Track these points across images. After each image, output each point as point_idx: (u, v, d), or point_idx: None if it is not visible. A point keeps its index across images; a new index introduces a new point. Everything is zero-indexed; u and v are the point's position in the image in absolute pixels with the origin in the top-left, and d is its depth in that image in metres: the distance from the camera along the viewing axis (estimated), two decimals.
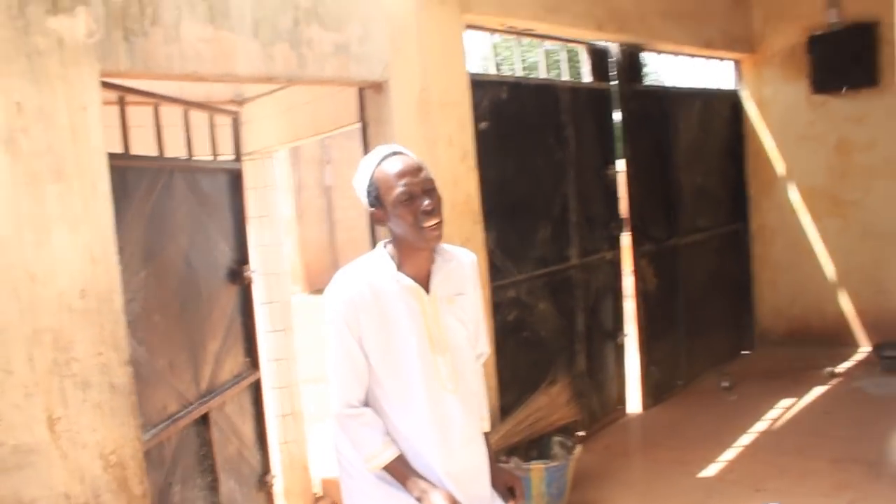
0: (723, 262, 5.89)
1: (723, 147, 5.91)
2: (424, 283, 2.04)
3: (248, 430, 3.65)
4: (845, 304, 5.71)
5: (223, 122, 3.39)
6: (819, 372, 5.15)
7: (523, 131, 4.10)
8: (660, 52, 5.27)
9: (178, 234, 2.93)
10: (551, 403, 3.59)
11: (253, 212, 4.03)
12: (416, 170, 1.94)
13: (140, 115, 2.79)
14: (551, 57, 5.05)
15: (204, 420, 3.04)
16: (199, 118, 3.13)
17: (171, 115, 2.93)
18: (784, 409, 4.60)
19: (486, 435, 2.18)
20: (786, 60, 5.72)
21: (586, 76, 4.69)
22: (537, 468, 3.30)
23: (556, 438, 3.57)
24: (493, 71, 4.20)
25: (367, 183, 2.00)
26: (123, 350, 2.35)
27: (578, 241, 4.45)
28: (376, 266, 2.04)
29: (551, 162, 4.28)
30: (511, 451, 3.43)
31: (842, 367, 5.24)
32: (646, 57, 5.10)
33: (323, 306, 2.03)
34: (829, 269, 5.77)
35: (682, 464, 3.93)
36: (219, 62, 2.62)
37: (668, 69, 5.72)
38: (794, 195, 5.87)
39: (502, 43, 5.89)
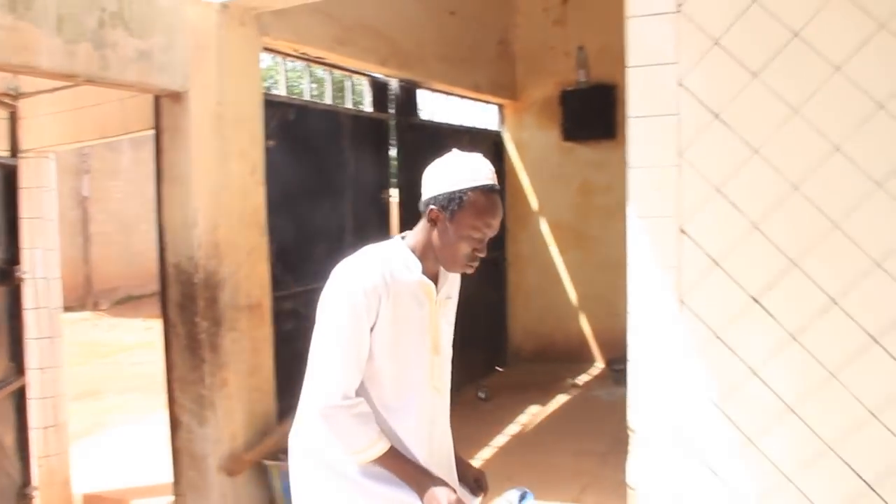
0: (482, 286, 6.46)
1: None
2: (434, 283, 2.07)
3: (8, 439, 3.51)
4: (585, 324, 6.54)
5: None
6: (563, 383, 5.87)
7: (308, 152, 4.34)
8: (435, 90, 5.78)
9: None
10: None
11: (26, 212, 3.89)
12: (499, 218, 2.01)
13: None
14: (338, 84, 5.37)
15: None
16: None
17: None
18: (533, 415, 5.21)
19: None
20: (542, 109, 6.49)
21: (367, 106, 5.06)
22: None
23: None
24: (284, 92, 4.43)
25: (454, 190, 1.96)
26: None
27: None
28: (398, 259, 2.01)
29: (331, 183, 4.56)
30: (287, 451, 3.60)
31: (581, 379, 6.01)
32: (423, 93, 5.58)
33: (333, 289, 1.96)
34: (573, 294, 6.58)
35: None
36: (18, 53, 2.62)
37: (442, 107, 6.23)
38: (545, 228, 6.63)
39: (294, 68, 6.11)
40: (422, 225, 2.03)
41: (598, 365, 6.44)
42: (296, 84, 4.87)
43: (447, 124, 6.04)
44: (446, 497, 1.91)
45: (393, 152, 5.26)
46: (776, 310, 2.47)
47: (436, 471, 2.02)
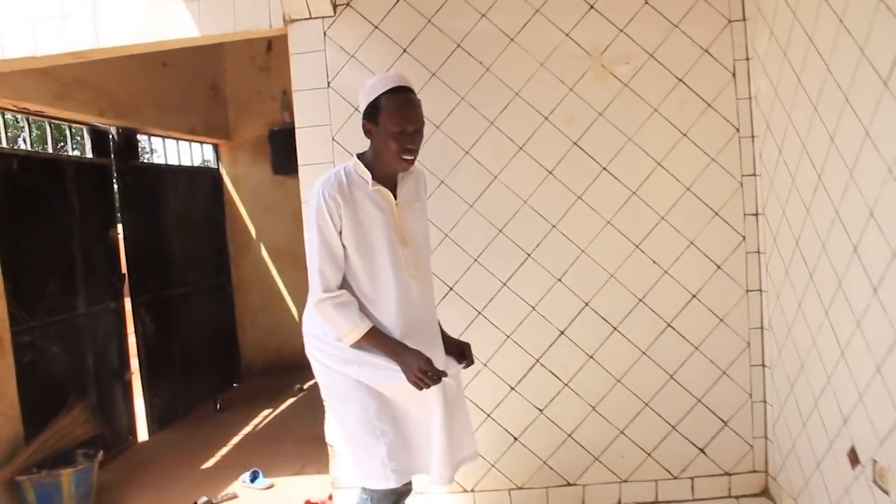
0: (211, 309, 7.09)
1: (206, 214, 7.09)
2: (392, 189, 2.49)
3: None
4: None
5: None
6: (291, 389, 6.71)
7: (35, 199, 4.79)
8: (152, 135, 6.38)
9: None
10: (72, 423, 4.35)
11: None
12: (414, 110, 2.40)
13: None
14: (60, 133, 5.80)
15: None
16: None
17: None
18: (264, 417, 6.01)
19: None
20: (254, 147, 7.25)
21: (89, 153, 5.57)
22: (66, 472, 4.05)
23: (80, 451, 4.34)
24: (5, 144, 4.85)
25: (371, 100, 2.40)
26: None
27: (85, 292, 5.22)
28: (350, 172, 2.46)
29: (60, 225, 5.03)
30: (40, 465, 4.11)
31: (308, 384, 6.89)
32: (142, 138, 6.16)
33: (307, 202, 2.43)
34: (295, 311, 7.45)
35: (188, 465, 4.97)
36: None
37: (163, 148, 6.69)
38: (265, 254, 7.43)
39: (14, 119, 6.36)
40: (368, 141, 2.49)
41: None
42: (18, 132, 5.22)
43: (167, 165, 6.61)
44: (416, 362, 2.32)
45: (117, 193, 5.78)
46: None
47: (417, 345, 2.40)
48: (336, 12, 3.45)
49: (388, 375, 2.41)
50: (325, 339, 2.50)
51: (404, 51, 3.44)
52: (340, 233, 2.40)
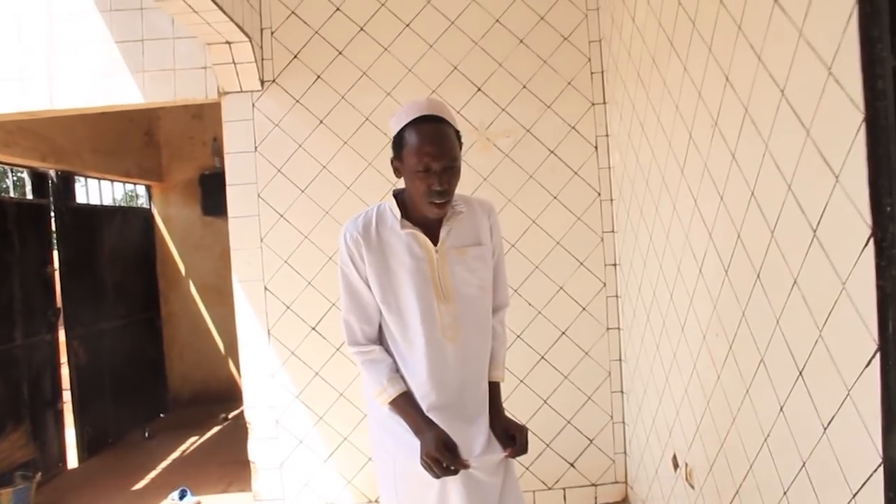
0: (141, 342, 7.49)
1: (139, 252, 7.53)
2: (434, 231, 2.13)
3: None
4: (233, 368, 7.91)
5: None
6: (216, 418, 7.16)
7: None
8: (89, 177, 6.83)
9: None
10: (11, 447, 4.77)
11: None
12: (441, 145, 1.99)
13: None
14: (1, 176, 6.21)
15: None
16: None
17: None
18: (191, 443, 6.45)
19: (495, 385, 2.24)
20: (185, 189, 7.74)
21: (29, 194, 6.01)
22: (6, 491, 4.47)
23: (18, 473, 4.76)
24: None
25: (395, 135, 2.07)
26: None
27: (22, 325, 5.62)
28: (384, 212, 2.15)
29: (1, 262, 5.46)
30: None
31: (233, 413, 7.34)
32: (80, 180, 6.59)
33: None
34: (220, 344, 7.92)
35: (119, 488, 5.37)
36: None
37: (98, 189, 7.12)
38: (193, 290, 7.91)
39: None
40: None
41: None
42: None
43: (102, 205, 7.05)
44: (428, 445, 1.99)
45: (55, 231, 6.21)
46: (326, 333, 4.15)
47: (448, 420, 2.06)
48: (263, 87, 4.07)
49: (412, 452, 2.07)
50: (369, 396, 2.24)
51: (321, 122, 4.07)
52: (368, 277, 2.13)
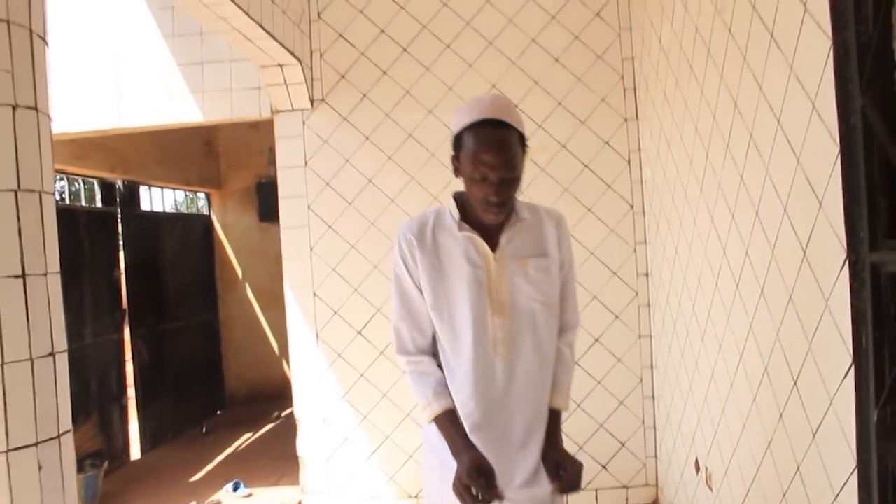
0: (200, 342, 7.91)
1: (199, 256, 7.97)
2: (494, 238, 1.98)
3: None
4: (286, 370, 8.24)
5: None
6: (270, 416, 7.51)
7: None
8: (153, 186, 7.25)
9: None
10: (82, 437, 5.15)
11: None
12: (500, 154, 1.83)
13: None
14: (73, 186, 6.66)
15: None
16: None
17: None
18: (245, 439, 6.80)
19: (556, 412, 2.02)
20: (242, 197, 8.14)
21: (98, 202, 6.43)
22: (78, 477, 4.85)
23: (88, 461, 5.14)
24: None
25: (455, 135, 1.94)
26: None
27: (91, 324, 6.04)
28: (443, 214, 2.02)
29: (73, 265, 5.88)
30: None
31: (285, 412, 7.68)
32: (145, 188, 7.02)
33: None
34: (275, 345, 8.27)
35: (178, 479, 5.76)
36: None
37: (161, 197, 7.54)
38: (249, 293, 8.29)
39: None
40: None
41: None
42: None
43: (165, 213, 7.49)
44: (461, 469, 1.83)
45: (122, 236, 6.63)
46: (371, 337, 4.41)
47: (491, 445, 1.92)
48: (313, 106, 4.35)
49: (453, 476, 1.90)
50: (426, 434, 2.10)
51: (367, 138, 4.34)
52: (421, 284, 2.00)
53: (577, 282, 2.17)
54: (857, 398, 1.82)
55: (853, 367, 1.83)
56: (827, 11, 1.85)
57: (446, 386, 1.99)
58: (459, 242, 1.98)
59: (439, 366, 2.04)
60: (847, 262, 1.83)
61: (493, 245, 1.98)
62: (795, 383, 2.23)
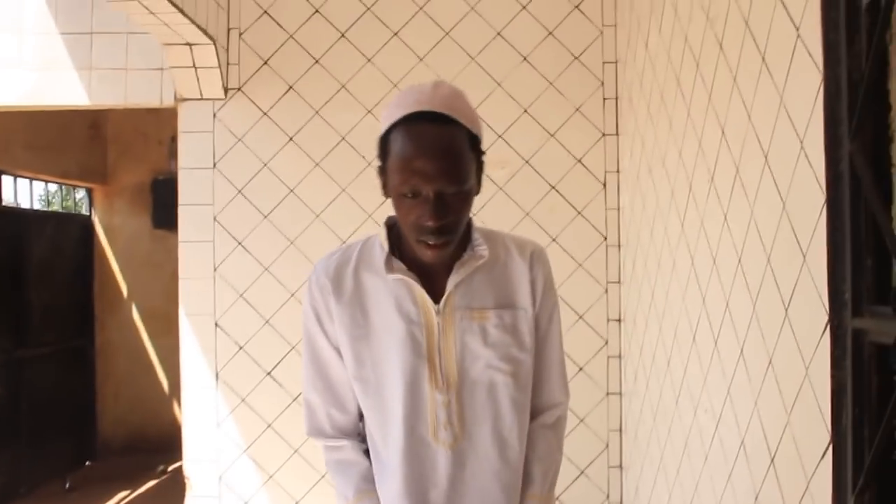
0: (68, 374, 7.70)
1: (73, 267, 7.84)
2: (439, 281, 1.78)
3: None
4: (177, 413, 8.23)
5: None
6: (154, 470, 7.48)
7: None
8: (18, 175, 7.21)
9: None
10: None
11: None
12: (437, 158, 1.60)
13: None
14: None
15: None
16: None
17: None
18: (121, 499, 6.78)
19: None
20: (134, 195, 8.09)
21: None
22: None
23: None
24: None
25: (381, 133, 1.70)
26: None
27: None
28: (371, 247, 1.82)
29: None
30: None
31: (172, 467, 7.64)
32: (7, 179, 6.97)
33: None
34: (165, 382, 8.25)
35: None
36: None
37: (28, 190, 7.47)
38: (135, 316, 8.26)
39: None
40: None
41: None
42: None
43: (32, 210, 7.44)
44: None
45: None
46: (283, 380, 4.50)
47: None
48: (227, 95, 4.46)
49: None
50: None
51: (290, 139, 4.46)
52: (339, 345, 1.82)
53: (561, 342, 2.01)
54: (833, 483, 1.99)
55: (831, 447, 2.00)
56: (818, 40, 2.03)
57: (373, 481, 1.83)
58: (390, 288, 1.77)
59: (367, 451, 1.88)
60: (829, 327, 2.00)
61: (438, 292, 1.78)
62: (773, 461, 2.40)
